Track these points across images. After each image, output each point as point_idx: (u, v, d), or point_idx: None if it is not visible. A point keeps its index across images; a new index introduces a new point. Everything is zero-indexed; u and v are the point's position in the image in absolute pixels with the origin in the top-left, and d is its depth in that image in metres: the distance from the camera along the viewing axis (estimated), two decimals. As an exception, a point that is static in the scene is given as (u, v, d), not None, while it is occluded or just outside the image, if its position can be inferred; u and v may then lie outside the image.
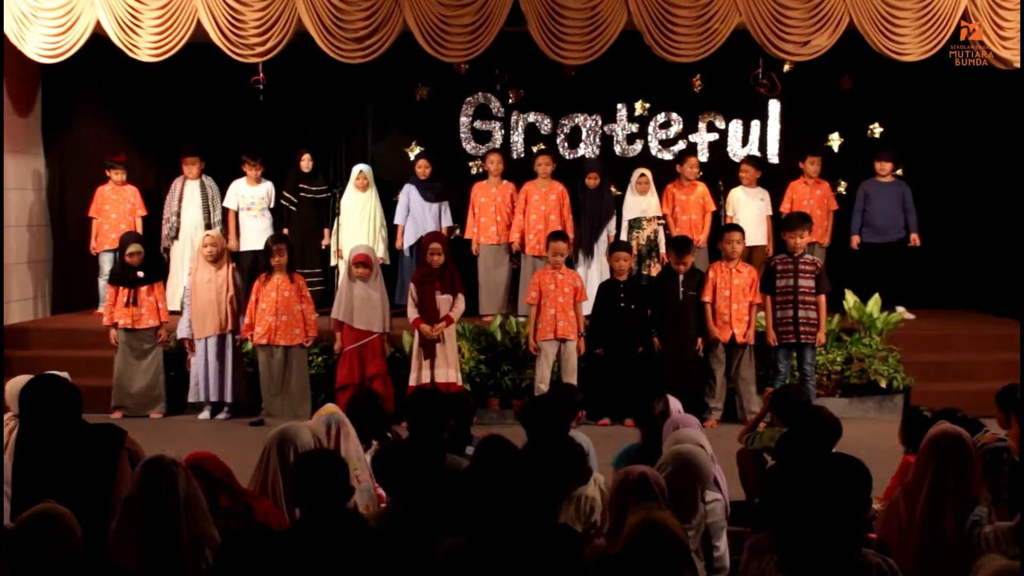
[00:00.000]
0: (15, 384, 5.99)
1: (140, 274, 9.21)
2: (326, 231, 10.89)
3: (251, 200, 10.80)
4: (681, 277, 8.93)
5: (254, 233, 10.71)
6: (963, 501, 4.37)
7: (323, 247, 10.95)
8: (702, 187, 10.61)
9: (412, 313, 8.74)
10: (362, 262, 8.79)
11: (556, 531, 3.82)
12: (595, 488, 4.82)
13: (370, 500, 5.22)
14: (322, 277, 10.87)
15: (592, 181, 10.39)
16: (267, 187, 10.87)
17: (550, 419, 5.13)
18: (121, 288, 9.19)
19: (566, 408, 5.49)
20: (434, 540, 3.93)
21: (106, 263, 10.69)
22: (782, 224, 9.48)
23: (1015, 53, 9.28)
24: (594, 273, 10.28)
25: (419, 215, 10.66)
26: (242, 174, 10.84)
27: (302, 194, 10.86)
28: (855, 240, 10.68)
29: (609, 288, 9.11)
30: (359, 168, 10.89)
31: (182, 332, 9.12)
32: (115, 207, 10.73)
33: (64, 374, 5.17)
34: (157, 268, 9.73)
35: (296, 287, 8.92)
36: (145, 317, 9.18)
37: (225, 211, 10.89)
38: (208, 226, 10.62)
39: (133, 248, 9.27)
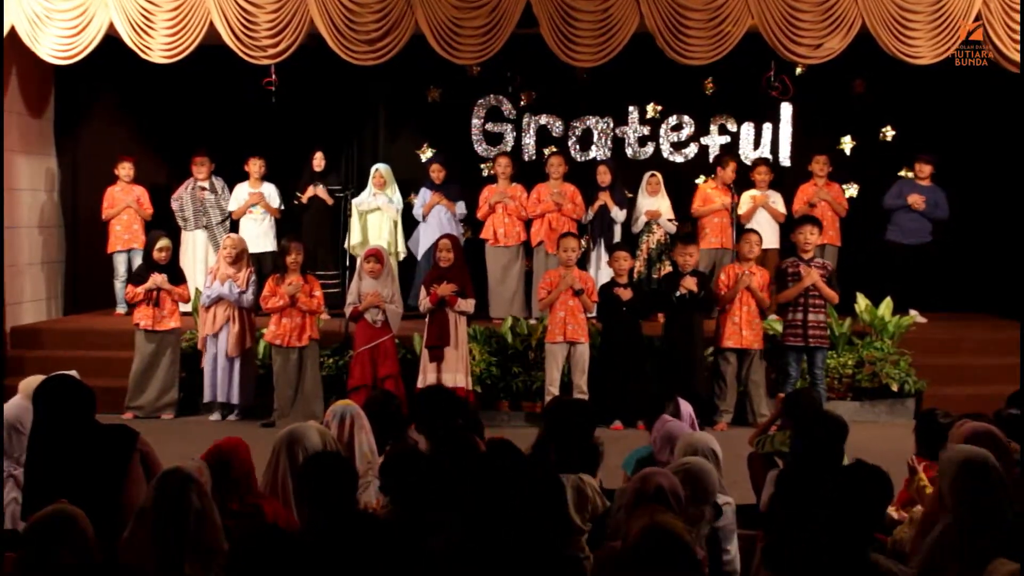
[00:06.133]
0: (29, 383, 6.02)
1: (164, 276, 9.15)
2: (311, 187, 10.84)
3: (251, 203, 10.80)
4: (685, 277, 8.80)
5: (252, 236, 10.60)
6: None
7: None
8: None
9: (425, 302, 8.70)
10: (373, 255, 8.81)
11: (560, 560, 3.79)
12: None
13: (379, 495, 5.20)
14: (337, 280, 10.83)
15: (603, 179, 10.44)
16: (268, 190, 10.85)
17: (573, 420, 5.11)
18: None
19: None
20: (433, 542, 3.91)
21: (120, 264, 10.72)
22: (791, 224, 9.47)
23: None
24: (604, 276, 10.27)
25: (434, 217, 10.66)
26: (246, 177, 10.86)
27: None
28: (916, 199, 10.42)
29: (610, 289, 8.97)
30: (376, 167, 10.88)
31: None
32: (123, 205, 10.74)
33: (73, 373, 5.13)
34: (180, 270, 9.58)
35: (308, 288, 8.90)
36: (166, 319, 9.14)
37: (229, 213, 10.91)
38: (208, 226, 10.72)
39: (162, 243, 9.18)
